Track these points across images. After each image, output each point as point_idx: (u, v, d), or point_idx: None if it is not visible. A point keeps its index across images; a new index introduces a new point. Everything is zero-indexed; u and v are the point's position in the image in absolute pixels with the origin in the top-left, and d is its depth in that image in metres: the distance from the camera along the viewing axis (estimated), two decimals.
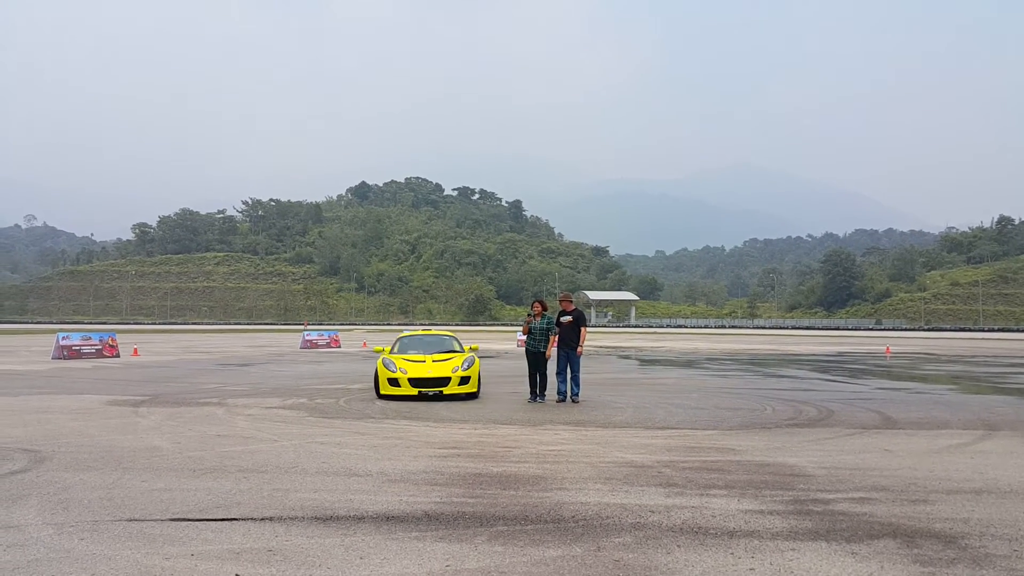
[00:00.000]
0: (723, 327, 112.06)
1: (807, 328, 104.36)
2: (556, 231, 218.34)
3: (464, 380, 12.40)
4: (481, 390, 13.50)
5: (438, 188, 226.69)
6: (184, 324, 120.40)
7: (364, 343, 42.83)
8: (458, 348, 14.03)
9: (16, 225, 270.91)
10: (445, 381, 12.21)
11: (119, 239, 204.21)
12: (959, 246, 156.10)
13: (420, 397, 12.18)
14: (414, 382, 12.13)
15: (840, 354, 31.52)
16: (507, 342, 45.79)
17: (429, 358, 12.92)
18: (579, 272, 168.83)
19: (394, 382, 12.22)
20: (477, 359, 13.16)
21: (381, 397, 12.45)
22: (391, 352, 13.59)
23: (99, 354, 25.08)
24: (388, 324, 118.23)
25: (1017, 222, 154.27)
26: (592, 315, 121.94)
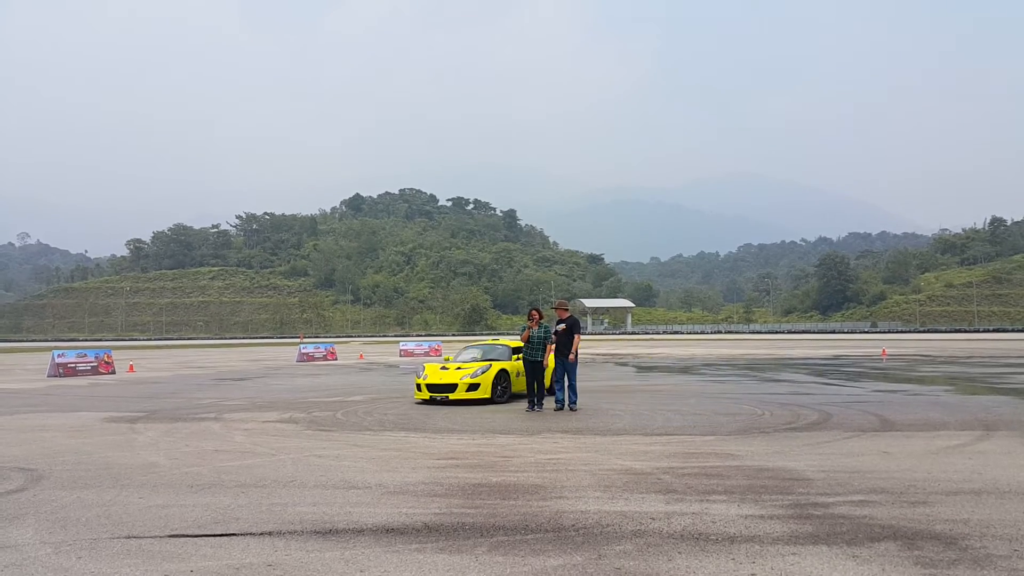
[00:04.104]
0: (719, 332, 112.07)
1: (803, 332, 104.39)
2: (551, 240, 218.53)
3: (472, 387, 13.20)
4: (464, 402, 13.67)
5: (432, 199, 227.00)
6: (180, 339, 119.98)
7: (361, 355, 42.75)
8: (497, 356, 14.64)
9: (10, 243, 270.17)
10: (452, 387, 13.23)
11: (113, 255, 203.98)
12: (953, 248, 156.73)
13: (431, 401, 13.46)
14: (430, 387, 13.44)
15: (836, 357, 31.55)
16: None
17: (454, 366, 14.06)
18: (574, 280, 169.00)
19: (419, 387, 13.67)
20: (496, 367, 13.67)
21: (417, 402, 13.70)
22: (453, 359, 14.90)
23: (95, 371, 24.98)
24: (384, 336, 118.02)
25: (1010, 223, 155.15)
26: (588, 322, 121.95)
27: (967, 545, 4.50)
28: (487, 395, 13.27)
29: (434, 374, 13.64)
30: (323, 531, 5.01)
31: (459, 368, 13.81)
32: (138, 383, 20.84)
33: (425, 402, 13.57)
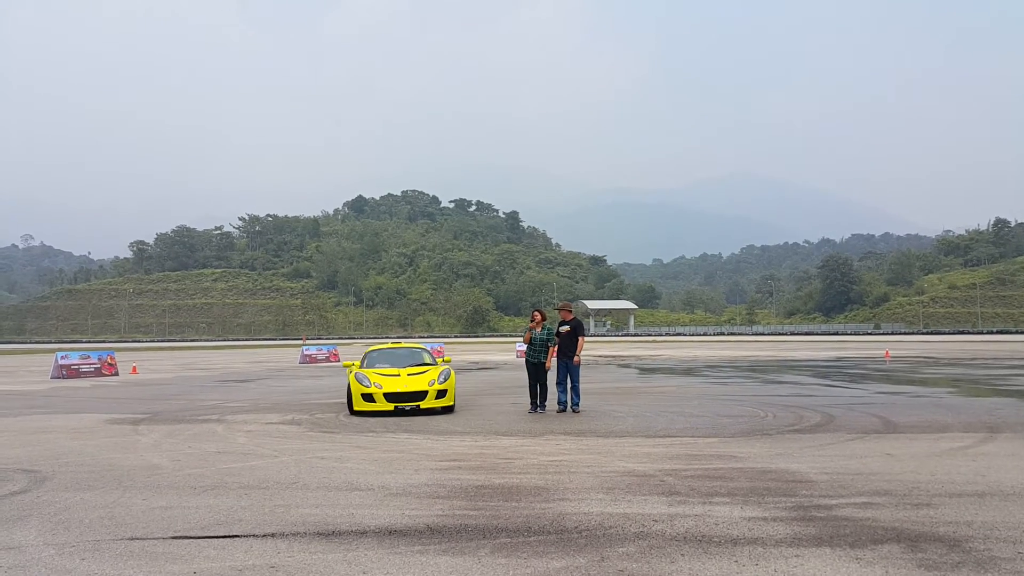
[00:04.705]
0: (722, 334, 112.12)
1: (806, 334, 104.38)
2: (553, 241, 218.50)
3: (441, 393, 11.98)
4: (463, 403, 13.50)
5: (435, 200, 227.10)
6: (183, 341, 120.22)
7: None
8: (430, 361, 13.48)
9: (13, 245, 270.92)
10: (422, 395, 11.78)
11: (116, 257, 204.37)
12: (956, 249, 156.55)
13: (396, 412, 11.69)
14: (390, 397, 11.66)
15: (839, 359, 31.51)
16: (506, 353, 45.76)
17: (404, 372, 12.43)
18: (577, 282, 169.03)
19: (368, 397, 11.73)
20: (452, 371, 12.82)
21: (355, 414, 11.90)
22: (361, 367, 12.95)
23: (98, 372, 25.02)
24: (387, 337, 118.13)
25: (1013, 224, 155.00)
26: (591, 324, 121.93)
27: (971, 547, 4.49)
28: (451, 402, 12.24)
29: (389, 381, 11.87)
30: (326, 533, 5.01)
31: (411, 374, 12.24)
32: (141, 385, 20.87)
33: (379, 414, 11.70)
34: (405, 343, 16.03)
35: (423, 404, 11.74)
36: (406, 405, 11.67)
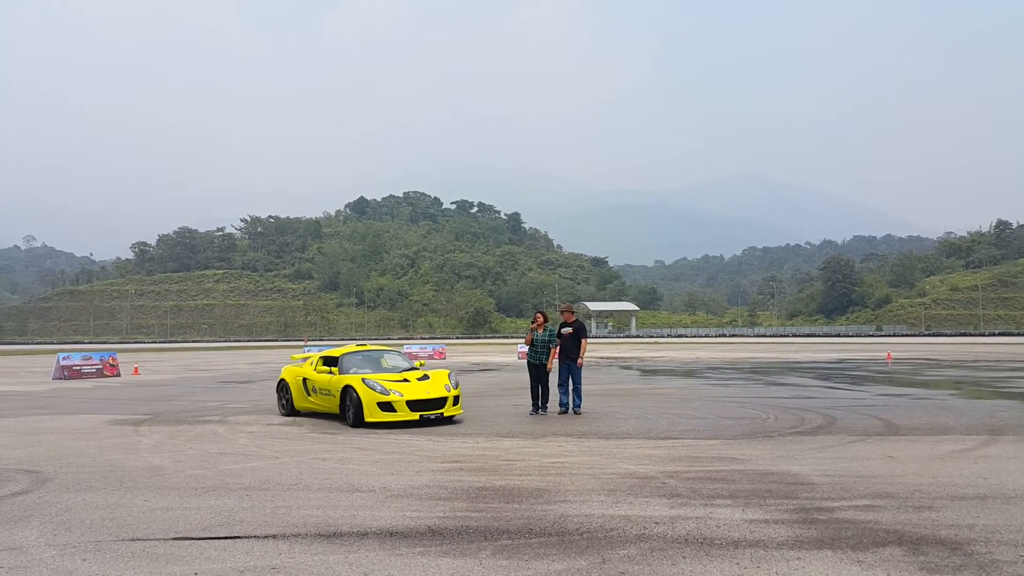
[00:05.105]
0: (723, 336, 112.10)
1: (807, 335, 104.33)
2: (555, 243, 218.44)
3: (456, 399, 11.32)
4: (464, 404, 12.91)
5: (436, 202, 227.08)
6: (184, 342, 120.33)
7: None
8: (408, 363, 12.62)
9: (15, 246, 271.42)
10: (443, 402, 11.02)
11: (118, 258, 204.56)
12: (958, 251, 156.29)
13: (421, 422, 10.80)
14: (413, 405, 10.69)
15: (841, 361, 31.48)
16: (507, 355, 45.75)
17: (412, 376, 11.46)
18: (579, 283, 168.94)
19: (387, 406, 10.59)
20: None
21: (365, 425, 10.61)
22: (341, 372, 11.70)
23: (100, 374, 25.04)
24: (388, 338, 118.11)
25: (1015, 226, 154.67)
26: (592, 326, 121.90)
27: (972, 550, 4.48)
28: (461, 409, 11.60)
29: (406, 388, 10.90)
30: (327, 534, 5.01)
31: (420, 380, 11.32)
32: (143, 386, 20.89)
33: (398, 425, 10.67)
34: (369, 344, 14.73)
35: (445, 411, 11.05)
36: (431, 413, 10.85)
